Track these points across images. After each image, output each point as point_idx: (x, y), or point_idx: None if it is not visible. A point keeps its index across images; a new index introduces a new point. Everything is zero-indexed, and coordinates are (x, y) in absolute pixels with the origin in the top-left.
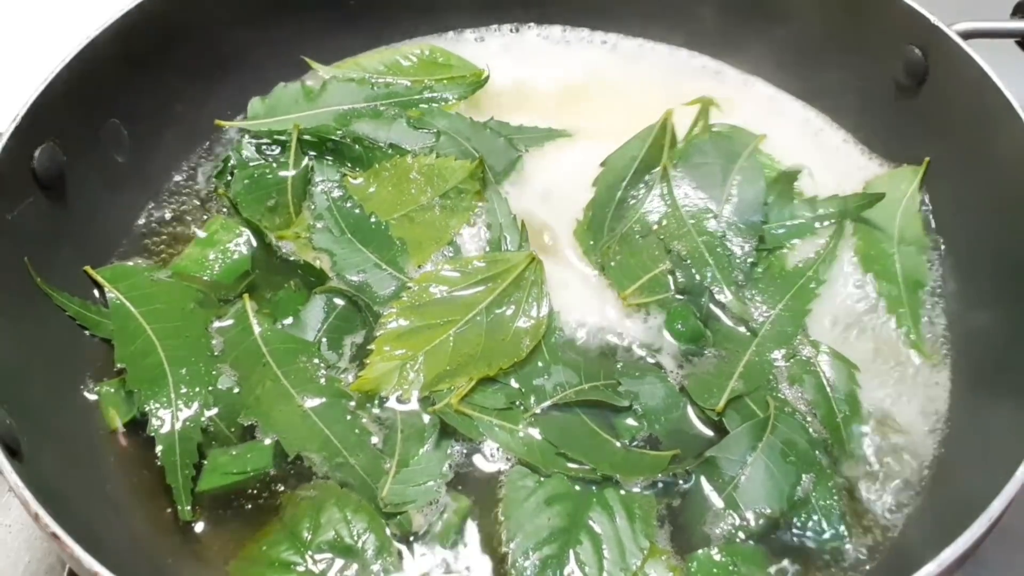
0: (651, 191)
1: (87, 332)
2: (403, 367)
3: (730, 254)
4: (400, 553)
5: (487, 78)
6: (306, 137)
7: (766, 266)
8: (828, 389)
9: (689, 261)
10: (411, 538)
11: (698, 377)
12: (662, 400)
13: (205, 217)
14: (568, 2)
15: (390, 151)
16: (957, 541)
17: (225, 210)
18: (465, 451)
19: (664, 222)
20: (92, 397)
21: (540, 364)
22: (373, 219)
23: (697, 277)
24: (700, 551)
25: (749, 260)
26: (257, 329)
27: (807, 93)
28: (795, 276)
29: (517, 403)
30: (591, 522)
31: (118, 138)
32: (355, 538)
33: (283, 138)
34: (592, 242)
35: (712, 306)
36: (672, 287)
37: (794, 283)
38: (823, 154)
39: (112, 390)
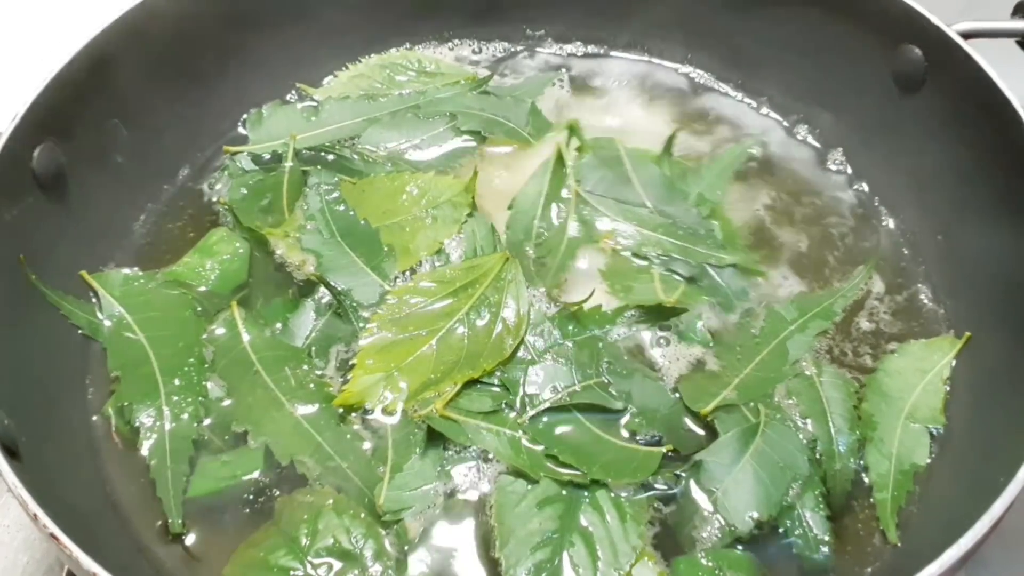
0: (568, 220)
1: (80, 331)
2: (387, 379)
3: (694, 229)
4: (398, 559)
5: (487, 79)
6: (308, 151)
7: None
8: (824, 402)
9: (672, 255)
10: (408, 545)
11: (693, 380)
12: (654, 398)
13: (206, 220)
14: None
15: (390, 166)
16: (959, 542)
17: (216, 218)
18: (459, 455)
19: (608, 238)
20: (92, 398)
21: (527, 365)
22: (363, 223)
23: (689, 261)
24: (686, 555)
25: (708, 229)
26: (246, 337)
27: (805, 93)
28: (816, 301)
29: (503, 405)
30: (583, 523)
31: (118, 138)
32: (354, 544)
33: (281, 152)
34: None
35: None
36: (682, 280)
37: (816, 306)
38: (819, 153)
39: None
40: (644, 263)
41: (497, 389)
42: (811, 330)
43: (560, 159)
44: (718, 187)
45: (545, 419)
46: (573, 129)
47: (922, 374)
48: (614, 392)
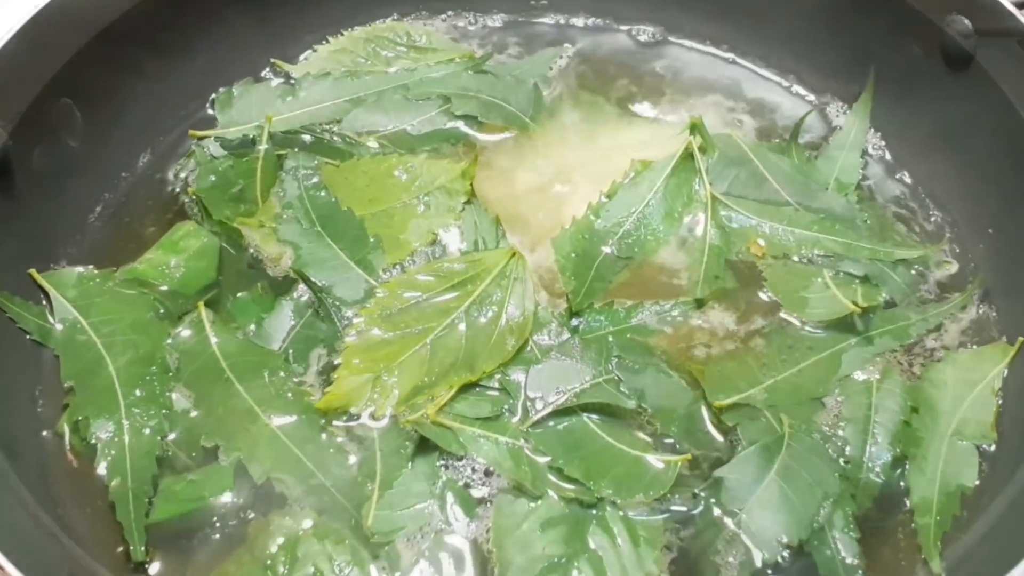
0: (706, 222)
1: (29, 337)
2: (376, 381)
3: (850, 221)
4: None
5: (485, 58)
6: (283, 134)
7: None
8: (872, 409)
9: (840, 253)
10: (399, 573)
11: (721, 368)
12: (669, 395)
13: (170, 212)
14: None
15: (376, 147)
16: (1010, 574)
17: (181, 210)
18: (457, 467)
19: (760, 243)
20: (42, 411)
21: (530, 364)
22: (347, 211)
23: (859, 259)
24: None
25: (863, 219)
26: (215, 340)
27: (838, 69)
28: (891, 318)
29: (504, 409)
30: (591, 546)
31: (70, 121)
32: (337, 572)
33: (254, 136)
34: (574, 255)
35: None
36: (856, 279)
37: (890, 323)
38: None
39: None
40: (807, 266)
41: (497, 393)
42: (875, 347)
43: (688, 158)
44: (854, 167)
45: (550, 424)
46: (696, 127)
47: (971, 385)
48: (625, 390)
